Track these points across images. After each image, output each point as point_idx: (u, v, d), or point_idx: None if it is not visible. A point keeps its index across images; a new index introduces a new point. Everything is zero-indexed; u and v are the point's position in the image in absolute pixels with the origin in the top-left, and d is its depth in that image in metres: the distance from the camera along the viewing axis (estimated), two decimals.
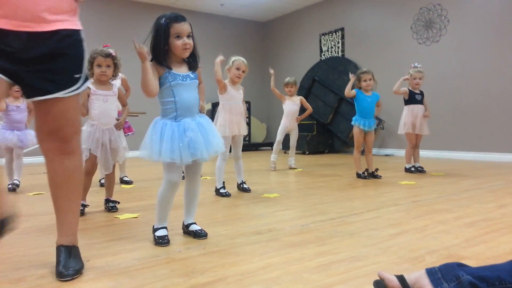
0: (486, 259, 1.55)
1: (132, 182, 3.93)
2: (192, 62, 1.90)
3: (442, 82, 5.96)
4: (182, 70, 1.87)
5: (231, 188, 3.31)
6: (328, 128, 7.56)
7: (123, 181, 3.95)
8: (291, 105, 4.85)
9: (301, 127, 7.76)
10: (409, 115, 4.34)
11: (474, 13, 5.65)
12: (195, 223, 2.00)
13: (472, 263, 1.51)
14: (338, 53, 7.74)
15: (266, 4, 8.27)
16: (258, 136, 9.34)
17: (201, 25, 8.64)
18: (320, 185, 3.59)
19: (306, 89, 8.05)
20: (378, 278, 1.27)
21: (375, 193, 3.16)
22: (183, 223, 2.03)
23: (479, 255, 1.61)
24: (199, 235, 1.93)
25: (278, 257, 1.63)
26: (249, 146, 8.55)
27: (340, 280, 1.38)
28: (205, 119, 1.92)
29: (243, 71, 3.16)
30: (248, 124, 7.91)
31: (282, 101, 4.92)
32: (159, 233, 1.88)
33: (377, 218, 2.28)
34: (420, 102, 4.35)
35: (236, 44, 9.02)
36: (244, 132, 3.27)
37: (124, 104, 2.73)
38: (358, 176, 3.98)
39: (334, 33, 7.82)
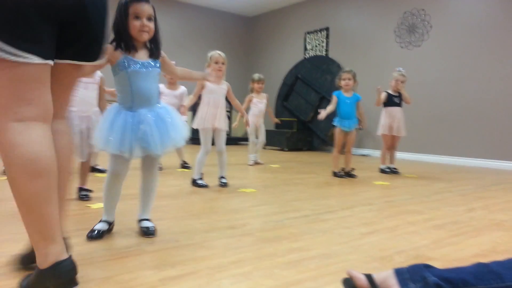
0: (452, 261, 1.59)
1: (105, 170, 3.86)
2: (154, 48, 1.78)
3: (422, 87, 6.07)
4: (141, 57, 1.74)
5: (211, 182, 3.31)
6: (308, 126, 7.61)
7: (95, 169, 3.88)
8: (258, 103, 4.90)
9: (282, 124, 7.83)
10: (387, 117, 4.43)
11: (457, 20, 5.76)
12: (148, 220, 1.88)
13: (439, 264, 1.54)
14: (322, 52, 7.78)
15: None
16: (238, 131, 9.31)
17: (187, 16, 8.55)
18: (297, 182, 3.61)
19: (288, 86, 8.07)
20: (347, 276, 1.29)
21: (350, 192, 3.20)
22: (138, 217, 1.92)
23: (445, 256, 1.65)
24: (147, 232, 1.80)
25: (250, 252, 1.64)
26: (229, 140, 8.50)
27: (310, 277, 1.40)
28: (165, 109, 1.80)
29: (223, 63, 3.14)
30: (229, 118, 7.88)
31: (249, 103, 4.93)
32: (96, 226, 1.78)
33: (350, 217, 2.31)
34: (399, 104, 4.44)
35: (221, 38, 8.96)
36: (221, 126, 3.21)
37: (101, 98, 2.70)
38: (334, 174, 4.03)
39: (319, 32, 7.85)
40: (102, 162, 4.01)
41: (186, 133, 1.82)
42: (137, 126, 1.67)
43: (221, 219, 2.18)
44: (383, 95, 4.45)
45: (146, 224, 1.85)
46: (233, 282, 1.33)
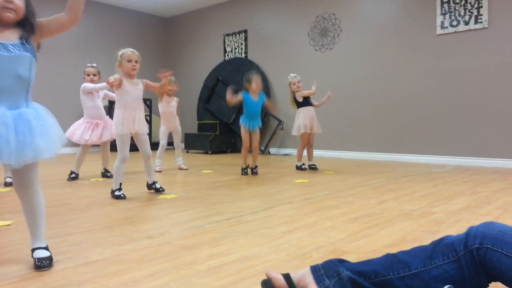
0: (367, 253, 1.66)
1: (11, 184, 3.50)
2: (24, 29, 1.44)
3: (334, 88, 6.35)
4: (3, 37, 1.39)
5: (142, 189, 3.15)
6: (231, 128, 7.62)
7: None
8: (167, 106, 4.66)
9: (204, 126, 7.75)
10: (305, 117, 4.60)
11: (364, 24, 6.15)
12: (41, 248, 1.53)
13: (354, 257, 1.60)
14: (241, 54, 7.84)
15: None
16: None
17: (100, 16, 8.08)
18: (220, 185, 3.57)
19: (210, 89, 8.01)
20: (266, 278, 1.27)
21: (272, 191, 3.24)
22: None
23: (360, 249, 1.72)
24: (38, 266, 1.46)
25: (168, 262, 1.56)
26: (150, 145, 8.21)
27: (230, 282, 1.36)
28: (35, 110, 1.46)
29: (136, 61, 2.95)
30: (149, 122, 7.59)
31: (159, 101, 4.69)
32: None
33: (271, 216, 2.32)
34: (311, 104, 4.68)
35: (137, 39, 8.61)
36: (143, 130, 3.04)
37: None
38: (242, 171, 4.27)
39: (237, 34, 7.90)
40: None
41: (58, 144, 1.50)
42: None
43: (137, 229, 2.06)
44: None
45: (37, 254, 1.50)
46: None
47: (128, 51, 2.94)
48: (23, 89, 1.44)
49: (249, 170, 4.32)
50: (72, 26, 1.50)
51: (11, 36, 1.41)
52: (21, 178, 1.50)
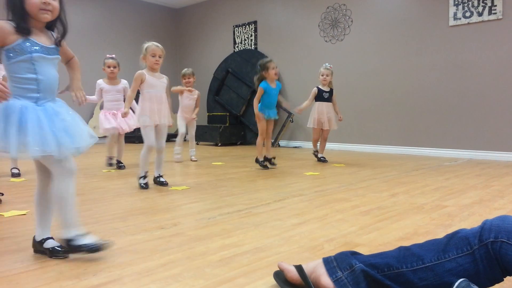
0: (378, 246, 1.66)
1: (20, 174, 3.57)
2: (58, 33, 1.53)
3: (345, 80, 6.33)
4: (43, 40, 1.47)
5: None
6: (241, 120, 7.62)
7: (13, 174, 3.57)
8: (188, 99, 4.77)
9: (214, 118, 7.77)
10: (316, 111, 4.58)
11: (375, 14, 6.07)
12: (52, 238, 1.56)
13: (366, 249, 1.60)
14: (251, 46, 7.81)
15: None
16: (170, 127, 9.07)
17: (111, 7, 8.10)
18: (230, 177, 3.58)
19: (219, 80, 8.01)
20: (278, 269, 1.28)
21: (283, 183, 3.24)
22: (34, 238, 1.58)
23: (372, 242, 1.72)
24: (58, 252, 1.51)
25: (180, 252, 1.57)
26: (169, 136, 8.28)
27: (242, 273, 1.37)
28: (61, 104, 1.54)
29: (160, 56, 2.98)
30: None
31: (180, 95, 4.79)
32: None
33: (282, 209, 2.33)
34: (328, 99, 4.61)
35: (147, 30, 8.62)
36: (167, 122, 3.09)
37: None
38: (257, 161, 4.16)
39: (247, 26, 7.86)
40: (23, 166, 3.67)
41: (90, 137, 1.58)
42: (55, 117, 1.44)
43: (150, 220, 2.08)
44: (314, 90, 4.61)
45: (50, 244, 1.54)
46: (162, 286, 1.26)
47: (153, 45, 2.96)
48: (56, 87, 1.54)
49: (267, 163, 4.18)
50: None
51: (48, 40, 1.51)
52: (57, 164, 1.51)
